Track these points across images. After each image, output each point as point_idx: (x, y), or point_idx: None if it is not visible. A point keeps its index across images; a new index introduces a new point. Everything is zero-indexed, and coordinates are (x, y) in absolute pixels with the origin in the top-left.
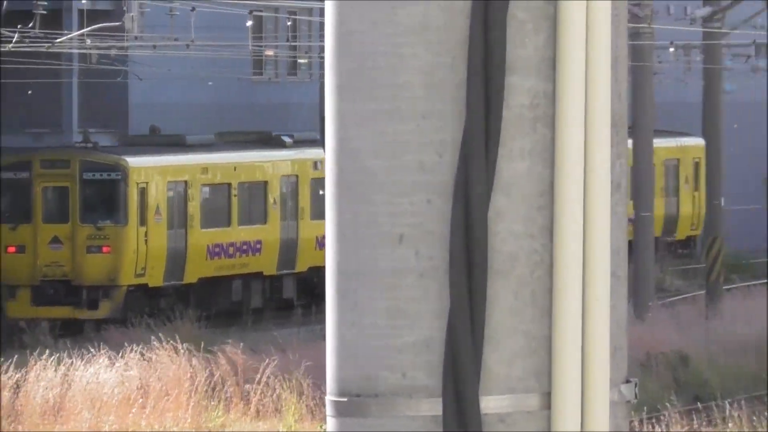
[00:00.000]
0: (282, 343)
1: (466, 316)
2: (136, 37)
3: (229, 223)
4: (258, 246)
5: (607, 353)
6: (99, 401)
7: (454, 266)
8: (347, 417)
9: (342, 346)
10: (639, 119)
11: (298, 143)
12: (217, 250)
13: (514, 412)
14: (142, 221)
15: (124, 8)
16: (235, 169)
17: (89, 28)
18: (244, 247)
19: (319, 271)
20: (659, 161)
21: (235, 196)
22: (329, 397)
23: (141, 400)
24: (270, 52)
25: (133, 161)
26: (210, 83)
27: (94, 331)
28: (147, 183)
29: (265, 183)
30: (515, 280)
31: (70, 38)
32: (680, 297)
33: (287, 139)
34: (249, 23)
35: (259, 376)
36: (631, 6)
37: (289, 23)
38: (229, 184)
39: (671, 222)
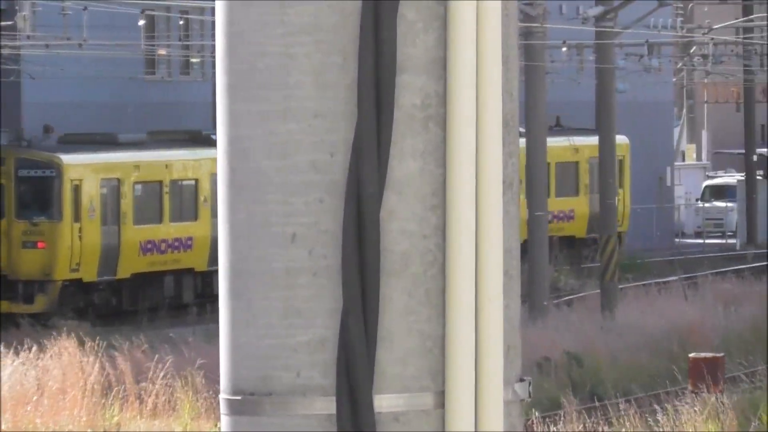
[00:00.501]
0: (178, 341)
1: (360, 315)
2: (28, 36)
3: (161, 220)
4: (189, 242)
5: (501, 352)
6: None
7: (347, 266)
8: (241, 415)
9: (236, 345)
10: (531, 118)
11: None
12: (149, 246)
13: (408, 410)
14: (77, 217)
15: (16, 7)
16: (166, 167)
17: None
18: (176, 243)
19: None
20: (584, 159)
21: (166, 193)
22: (223, 396)
23: (36, 399)
24: (162, 52)
25: (67, 159)
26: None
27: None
28: (81, 180)
29: (196, 180)
30: (409, 280)
31: None
32: (575, 296)
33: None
34: (141, 22)
35: (153, 374)
36: (523, 5)
37: (181, 22)
38: (161, 182)
39: (597, 220)
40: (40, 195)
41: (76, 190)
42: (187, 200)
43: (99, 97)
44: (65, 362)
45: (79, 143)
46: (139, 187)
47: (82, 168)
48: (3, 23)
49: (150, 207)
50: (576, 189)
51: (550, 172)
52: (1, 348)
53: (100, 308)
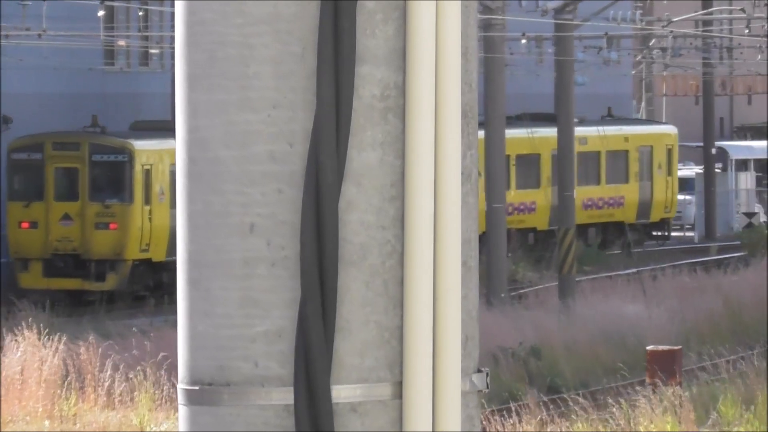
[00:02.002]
0: (136, 331)
1: (318, 306)
2: None
3: None
4: None
5: (459, 343)
6: None
7: (305, 256)
8: (199, 405)
9: (194, 335)
10: (490, 110)
11: None
12: None
13: (366, 401)
14: (147, 200)
15: None
16: None
17: None
18: None
19: None
20: (633, 148)
21: None
22: (181, 386)
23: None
24: (122, 42)
25: (138, 144)
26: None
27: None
28: (151, 165)
29: None
30: (367, 271)
31: None
32: (533, 288)
33: None
34: (101, 13)
35: (111, 364)
36: None
37: (140, 13)
38: None
39: (645, 206)
40: (113, 179)
41: (147, 174)
42: None
43: (58, 88)
44: (25, 351)
45: (150, 130)
46: None
47: (153, 153)
48: None
49: None
50: (626, 176)
51: (601, 161)
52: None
53: (169, 287)
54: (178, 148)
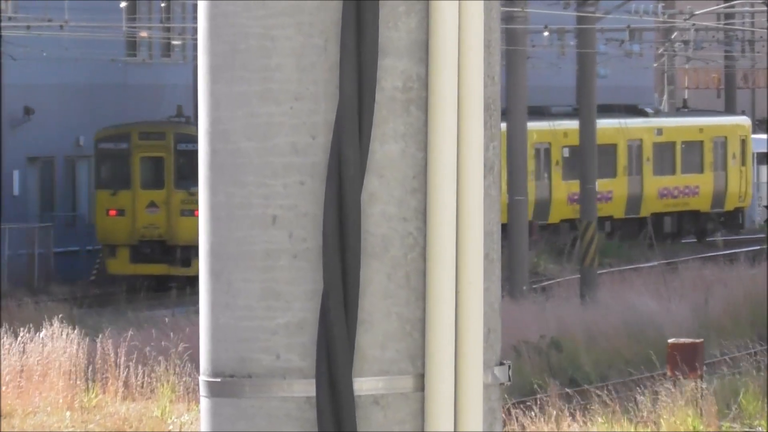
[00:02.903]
0: (158, 322)
1: (340, 298)
2: (9, 18)
3: None
4: None
5: (481, 335)
6: None
7: (328, 248)
8: (221, 397)
9: (216, 327)
10: (512, 103)
11: None
12: None
13: (387, 393)
14: None
15: None
16: None
17: None
18: None
19: None
20: (708, 138)
21: None
22: (203, 378)
23: (19, 381)
24: (144, 34)
25: None
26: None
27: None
28: None
29: None
30: (389, 263)
31: None
32: (555, 281)
33: None
34: (123, 4)
35: (132, 355)
36: None
37: (162, 5)
38: None
39: (720, 195)
40: (197, 167)
41: None
42: None
43: (80, 79)
44: (49, 343)
45: None
46: None
47: None
48: None
49: None
50: (701, 166)
51: (676, 151)
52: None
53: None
54: (200, 140)
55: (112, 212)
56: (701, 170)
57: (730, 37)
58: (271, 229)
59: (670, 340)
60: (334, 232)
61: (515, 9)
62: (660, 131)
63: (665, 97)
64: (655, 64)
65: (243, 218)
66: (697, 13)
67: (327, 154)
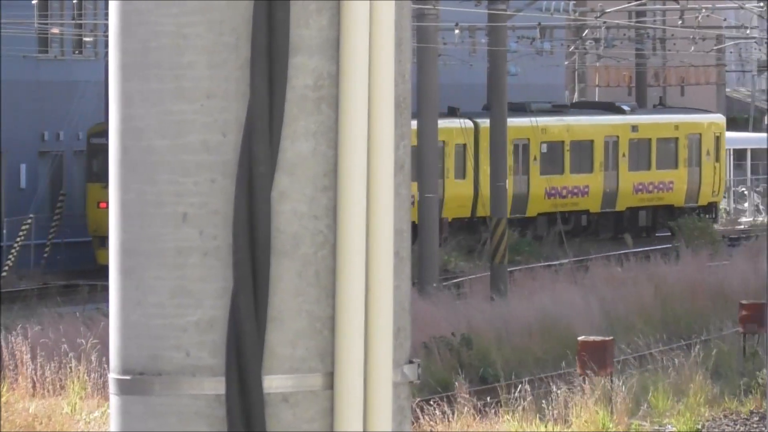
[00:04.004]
0: (67, 319)
1: (250, 296)
2: None
3: None
4: None
5: (390, 334)
6: None
7: (238, 246)
8: (130, 395)
9: (126, 324)
10: (423, 101)
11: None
12: None
13: (297, 391)
14: None
15: None
16: None
17: None
18: None
19: None
20: (683, 135)
21: None
22: (112, 375)
23: None
24: (56, 30)
25: None
26: None
27: None
28: None
29: None
30: (299, 261)
31: None
32: (465, 278)
33: None
34: (35, 1)
35: (42, 352)
36: None
37: (74, 1)
38: None
39: (694, 190)
40: None
41: None
42: None
43: None
44: None
45: None
46: None
47: None
48: None
49: None
50: (675, 162)
51: (651, 147)
52: None
53: None
54: (111, 137)
55: (103, 204)
56: (676, 166)
57: (641, 35)
58: (182, 226)
59: (580, 338)
60: (245, 230)
61: (426, 6)
62: (636, 128)
63: (576, 95)
64: (566, 62)
65: (154, 216)
66: (608, 11)
67: (238, 152)
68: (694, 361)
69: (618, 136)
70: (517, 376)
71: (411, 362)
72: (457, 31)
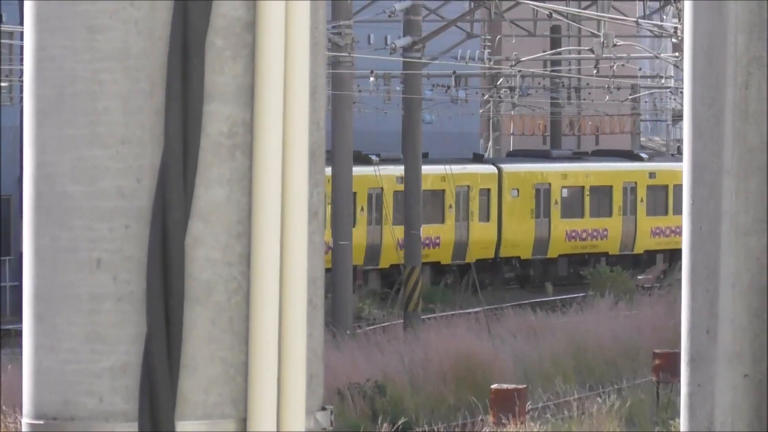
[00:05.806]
0: None
1: (163, 342)
2: None
3: None
4: None
5: (304, 381)
6: None
7: (151, 292)
8: None
9: (39, 370)
10: (338, 148)
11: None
12: None
13: None
14: None
15: None
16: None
17: None
18: None
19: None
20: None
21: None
22: (26, 420)
23: None
24: None
25: None
26: None
27: None
28: None
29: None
30: (213, 307)
31: None
32: (379, 325)
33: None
34: None
35: None
36: (331, 35)
37: None
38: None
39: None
40: None
41: None
42: None
43: None
44: None
45: None
46: None
47: None
48: None
49: None
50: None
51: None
52: None
53: None
54: (25, 183)
55: None
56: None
57: (556, 84)
58: (96, 272)
59: (493, 386)
60: (158, 276)
61: (342, 54)
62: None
63: (490, 143)
64: (481, 110)
65: (68, 262)
66: (523, 59)
67: (152, 198)
68: (609, 410)
69: (636, 182)
70: (432, 422)
71: (324, 409)
72: (372, 79)
